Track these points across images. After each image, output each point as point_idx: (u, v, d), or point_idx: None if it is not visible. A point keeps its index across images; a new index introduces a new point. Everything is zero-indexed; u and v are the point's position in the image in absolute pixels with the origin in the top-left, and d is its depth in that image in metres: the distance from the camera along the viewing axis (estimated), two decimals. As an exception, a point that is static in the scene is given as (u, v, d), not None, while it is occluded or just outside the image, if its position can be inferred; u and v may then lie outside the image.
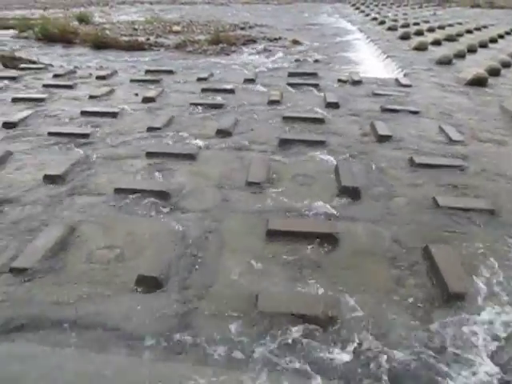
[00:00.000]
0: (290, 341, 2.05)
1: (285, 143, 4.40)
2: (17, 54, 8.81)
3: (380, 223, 3.07)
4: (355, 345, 2.04)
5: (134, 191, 3.41)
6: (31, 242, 2.79)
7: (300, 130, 4.86)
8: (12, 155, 4.12)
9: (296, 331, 2.09)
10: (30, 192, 3.45)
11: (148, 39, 12.05)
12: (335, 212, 3.19)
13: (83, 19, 15.59)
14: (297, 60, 9.55)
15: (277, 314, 2.19)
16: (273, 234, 2.86)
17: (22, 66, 8.03)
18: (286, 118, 5.20)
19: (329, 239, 2.82)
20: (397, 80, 7.44)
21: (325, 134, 4.69)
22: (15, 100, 5.88)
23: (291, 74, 7.71)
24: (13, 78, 7.15)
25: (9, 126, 4.86)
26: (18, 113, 5.30)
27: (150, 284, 2.42)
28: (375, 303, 2.31)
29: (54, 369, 1.91)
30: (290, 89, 6.74)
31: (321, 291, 2.39)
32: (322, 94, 6.31)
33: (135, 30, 14.24)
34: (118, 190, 3.43)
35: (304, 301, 2.29)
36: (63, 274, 2.52)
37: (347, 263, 2.63)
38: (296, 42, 12.21)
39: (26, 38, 12.44)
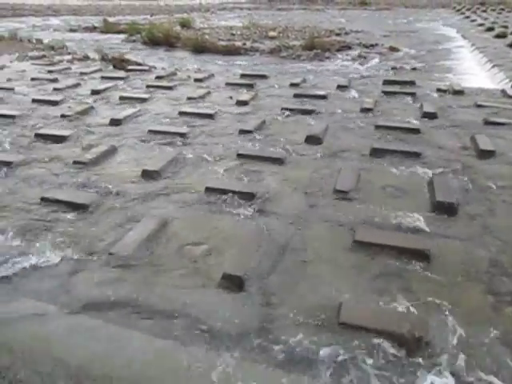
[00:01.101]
0: (371, 357, 1.99)
1: (376, 153, 4.28)
2: (125, 57, 9.52)
3: (477, 243, 2.86)
4: (443, 373, 1.92)
5: (223, 191, 3.52)
6: (128, 231, 3.00)
7: (393, 140, 4.70)
8: (116, 149, 4.46)
9: (378, 348, 2.02)
10: (130, 185, 3.71)
11: (244, 44, 12.38)
12: (427, 228, 3.03)
13: (185, 24, 16.44)
14: (393, 67, 9.24)
15: (359, 327, 2.13)
16: (359, 245, 2.79)
17: (130, 67, 8.66)
18: (378, 127, 5.05)
19: (419, 256, 2.69)
20: (503, 91, 6.89)
21: (420, 146, 4.48)
22: (122, 98, 6.36)
23: (386, 82, 7.47)
24: (121, 79, 7.75)
25: (115, 122, 5.27)
26: (124, 111, 5.72)
27: (233, 282, 2.48)
28: (469, 329, 2.15)
29: (137, 354, 2.03)
30: (384, 97, 6.54)
31: (407, 309, 2.28)
32: (419, 104, 6.04)
33: (233, 35, 14.72)
34: (208, 189, 3.56)
35: (389, 317, 2.20)
36: (154, 265, 2.68)
37: (438, 283, 2.48)
38: (393, 49, 11.82)
39: (133, 41, 13.40)
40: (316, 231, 3.02)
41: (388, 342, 2.05)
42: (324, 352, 2.02)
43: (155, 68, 8.82)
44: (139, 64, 9.10)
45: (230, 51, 11.17)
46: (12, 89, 6.91)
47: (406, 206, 3.33)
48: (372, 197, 3.47)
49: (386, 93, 6.73)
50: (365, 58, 10.59)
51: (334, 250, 2.80)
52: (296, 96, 6.53)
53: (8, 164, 4.06)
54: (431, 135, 4.86)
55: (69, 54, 10.36)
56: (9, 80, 7.51)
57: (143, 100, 6.32)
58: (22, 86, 7.15)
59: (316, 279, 2.53)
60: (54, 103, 6.15)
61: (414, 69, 9.17)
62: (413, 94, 6.58)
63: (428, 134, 4.90)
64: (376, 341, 2.06)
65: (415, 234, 2.98)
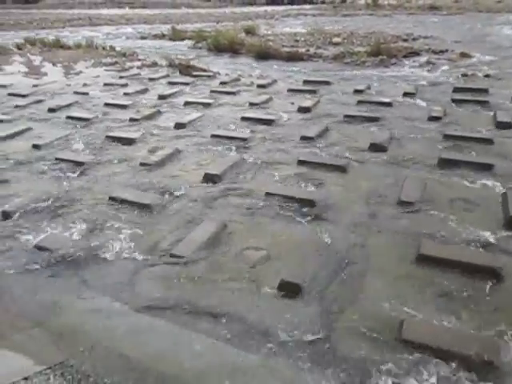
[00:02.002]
0: (434, 379, 1.89)
1: (445, 163, 4.08)
2: (191, 63, 9.79)
3: (556, 265, 2.64)
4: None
5: (283, 197, 3.51)
6: (189, 233, 3.07)
7: (464, 151, 4.46)
8: (180, 152, 4.59)
9: (443, 370, 1.91)
10: (192, 187, 3.79)
11: (308, 50, 12.32)
12: (499, 244, 2.84)
13: (250, 31, 16.64)
14: (464, 74, 8.79)
15: (422, 345, 2.03)
16: (424, 259, 2.66)
17: (195, 73, 8.90)
18: (447, 136, 4.82)
19: (489, 274, 2.52)
20: None
21: (493, 157, 4.22)
22: (187, 103, 6.55)
23: (456, 90, 7.13)
24: (186, 84, 7.99)
25: (179, 126, 5.44)
26: (188, 115, 5.88)
27: (291, 290, 2.46)
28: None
29: (198, 356, 2.05)
30: (454, 105, 6.24)
31: (475, 330, 2.15)
32: (492, 113, 5.70)
33: (296, 41, 14.70)
34: (268, 194, 3.57)
35: (455, 337, 2.07)
36: (213, 268, 2.71)
37: (511, 304, 2.31)
38: (464, 55, 11.26)
39: (199, 48, 13.76)
40: (378, 242, 2.93)
41: (453, 364, 1.94)
42: (383, 367, 1.95)
43: (219, 74, 9.00)
44: (204, 70, 9.33)
45: (293, 57, 11.15)
46: (87, 93, 7.34)
47: (476, 220, 3.15)
48: (439, 209, 3.31)
49: (455, 101, 6.41)
50: (433, 64, 10.17)
51: (397, 262, 2.70)
52: (360, 103, 6.40)
53: (81, 164, 4.30)
54: (505, 146, 4.56)
55: (139, 60, 10.83)
56: (84, 85, 7.98)
57: (207, 105, 6.46)
58: (95, 90, 7.58)
59: (377, 292, 2.44)
60: (124, 107, 6.45)
61: (487, 76, 8.68)
62: (485, 103, 6.22)
63: (502, 144, 4.61)
64: (440, 361, 1.95)
65: (485, 250, 2.81)
